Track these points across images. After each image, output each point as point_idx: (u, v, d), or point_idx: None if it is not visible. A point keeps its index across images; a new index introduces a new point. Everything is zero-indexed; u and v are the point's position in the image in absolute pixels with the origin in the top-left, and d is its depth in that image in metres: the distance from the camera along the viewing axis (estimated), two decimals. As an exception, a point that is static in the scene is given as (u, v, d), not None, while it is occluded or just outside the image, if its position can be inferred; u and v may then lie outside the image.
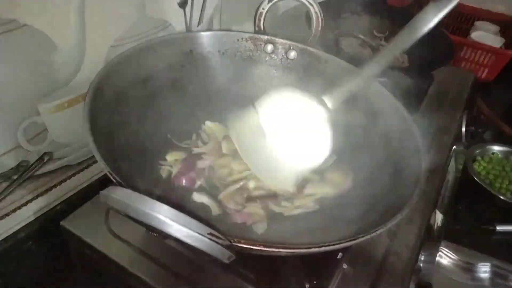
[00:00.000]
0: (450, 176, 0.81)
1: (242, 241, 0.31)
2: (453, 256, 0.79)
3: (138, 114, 0.54)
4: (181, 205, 0.48)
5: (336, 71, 0.64)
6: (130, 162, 0.47)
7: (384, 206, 0.44)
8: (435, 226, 0.68)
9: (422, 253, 0.60)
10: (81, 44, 0.53)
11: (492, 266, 0.77)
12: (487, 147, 1.11)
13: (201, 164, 0.54)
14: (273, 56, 0.67)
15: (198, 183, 0.52)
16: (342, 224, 0.47)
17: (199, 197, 0.49)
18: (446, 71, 1.04)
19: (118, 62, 0.52)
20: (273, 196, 0.50)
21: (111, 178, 0.36)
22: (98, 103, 0.45)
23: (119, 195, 0.26)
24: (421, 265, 0.60)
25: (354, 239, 0.35)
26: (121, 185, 0.35)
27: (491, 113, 1.24)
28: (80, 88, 0.55)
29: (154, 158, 0.53)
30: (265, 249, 0.32)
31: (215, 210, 0.49)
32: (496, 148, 1.11)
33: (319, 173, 0.57)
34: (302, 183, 0.55)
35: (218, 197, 0.49)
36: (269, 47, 0.66)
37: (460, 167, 0.99)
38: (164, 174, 0.53)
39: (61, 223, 0.52)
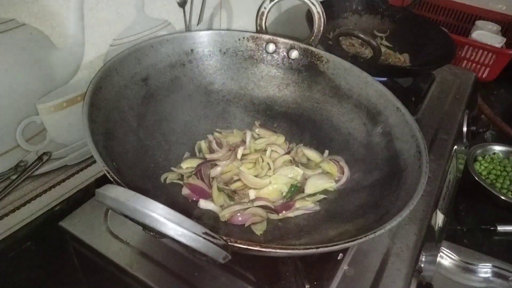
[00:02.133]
0: (451, 176, 0.80)
1: (238, 241, 0.31)
2: (454, 256, 0.79)
3: (137, 113, 0.53)
4: (187, 212, 0.48)
5: (338, 71, 0.64)
6: (129, 162, 0.47)
7: (384, 207, 0.44)
8: (436, 227, 0.68)
9: (423, 254, 0.59)
10: (80, 43, 0.53)
11: (493, 266, 0.77)
12: (488, 147, 1.11)
13: (213, 173, 0.53)
14: (274, 55, 0.67)
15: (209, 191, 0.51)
16: (342, 225, 0.47)
17: (205, 204, 0.49)
18: (447, 71, 1.04)
19: (117, 61, 0.52)
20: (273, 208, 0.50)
21: (109, 177, 0.35)
22: (97, 102, 0.45)
23: (114, 193, 0.25)
24: (422, 265, 0.60)
25: (352, 241, 0.35)
26: (119, 185, 0.35)
27: (492, 113, 1.24)
28: (79, 88, 0.55)
29: (154, 158, 0.52)
30: (261, 249, 0.31)
31: (223, 216, 0.48)
32: (497, 148, 1.11)
33: (316, 166, 0.58)
34: (302, 180, 0.55)
35: (220, 213, 0.48)
36: (271, 47, 0.66)
37: (461, 167, 0.99)
38: (166, 180, 0.52)
39: (60, 223, 0.52)
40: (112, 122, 0.47)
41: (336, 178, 0.56)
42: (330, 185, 0.54)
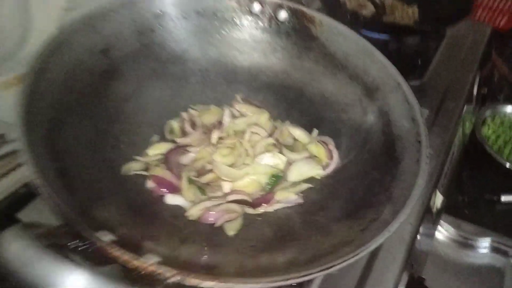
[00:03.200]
0: (455, 148, 0.74)
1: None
2: (452, 230, 0.75)
3: (96, 93, 0.46)
4: (152, 211, 0.42)
5: (333, 36, 0.55)
6: (82, 155, 0.41)
7: (373, 211, 0.38)
8: (434, 209, 0.63)
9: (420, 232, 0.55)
10: (23, 8, 0.44)
11: (493, 241, 0.73)
12: (500, 108, 1.02)
13: (184, 160, 0.47)
14: (260, 17, 0.58)
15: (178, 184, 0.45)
16: (327, 224, 0.42)
17: (173, 200, 0.43)
18: (460, 25, 0.93)
19: (68, 32, 0.45)
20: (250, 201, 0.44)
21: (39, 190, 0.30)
22: (39, 87, 0.38)
23: (14, 248, 0.20)
24: (419, 237, 0.56)
25: (329, 268, 0.30)
26: (53, 200, 0.29)
27: (506, 69, 1.14)
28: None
29: (115, 146, 0.46)
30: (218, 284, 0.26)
31: (191, 215, 0.42)
32: (510, 109, 1.02)
33: (303, 148, 0.52)
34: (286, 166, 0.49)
35: (188, 211, 0.42)
36: (256, 7, 0.57)
37: (468, 131, 0.92)
38: (128, 172, 0.45)
39: (17, 215, 0.47)
40: (61, 108, 0.41)
41: (324, 164, 0.50)
42: (317, 172, 0.48)
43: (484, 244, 0.74)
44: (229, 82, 0.58)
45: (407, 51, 0.78)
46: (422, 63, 0.78)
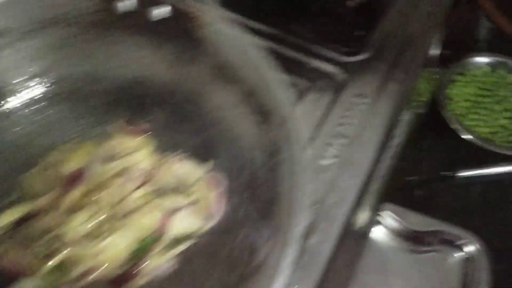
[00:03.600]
0: (399, 138, 0.65)
1: None
2: (396, 222, 0.68)
3: None
4: None
5: (221, 41, 0.45)
6: None
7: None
8: (356, 227, 0.56)
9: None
10: None
11: (439, 232, 0.68)
12: (475, 59, 0.88)
13: (38, 230, 0.38)
14: (132, 17, 0.46)
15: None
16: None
17: (25, 285, 0.36)
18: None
19: None
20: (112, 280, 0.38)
21: None
22: None
23: None
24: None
25: None
26: None
27: (491, 4, 0.96)
28: None
29: None
30: None
31: None
32: (485, 60, 0.89)
33: (186, 191, 0.44)
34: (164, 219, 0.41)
35: None
36: (120, 5, 0.45)
37: (428, 97, 0.82)
38: None
39: None
40: None
41: (209, 212, 0.42)
42: (200, 225, 0.41)
43: (430, 238, 0.68)
44: (108, 104, 0.48)
45: (345, 16, 0.65)
46: (368, 29, 0.66)
